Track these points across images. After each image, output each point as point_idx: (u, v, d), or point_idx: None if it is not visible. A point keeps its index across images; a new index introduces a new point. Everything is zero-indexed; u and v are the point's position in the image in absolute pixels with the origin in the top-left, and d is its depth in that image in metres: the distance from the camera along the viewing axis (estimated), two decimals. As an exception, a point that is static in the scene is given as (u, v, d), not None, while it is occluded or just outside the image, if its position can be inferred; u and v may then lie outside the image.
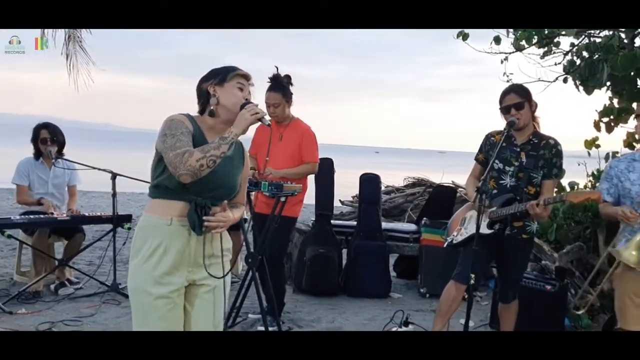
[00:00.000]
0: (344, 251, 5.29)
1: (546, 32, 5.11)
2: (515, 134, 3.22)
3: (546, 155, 3.16)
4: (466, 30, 5.30)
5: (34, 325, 3.84)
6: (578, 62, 4.99)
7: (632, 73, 4.40)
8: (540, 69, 5.29)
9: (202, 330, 2.21)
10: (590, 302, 3.50)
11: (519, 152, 3.20)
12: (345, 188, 9.08)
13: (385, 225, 5.58)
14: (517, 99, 3.16)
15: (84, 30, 5.86)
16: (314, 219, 5.25)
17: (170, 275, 2.11)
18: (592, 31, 4.97)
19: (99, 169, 4.76)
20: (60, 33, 5.83)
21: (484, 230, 3.10)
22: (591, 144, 5.04)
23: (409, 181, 9.75)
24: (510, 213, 3.07)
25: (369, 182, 5.48)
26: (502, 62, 5.44)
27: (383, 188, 8.24)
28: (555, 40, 5.25)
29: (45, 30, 5.64)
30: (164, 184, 2.10)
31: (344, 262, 5.23)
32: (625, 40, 4.70)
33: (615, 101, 4.82)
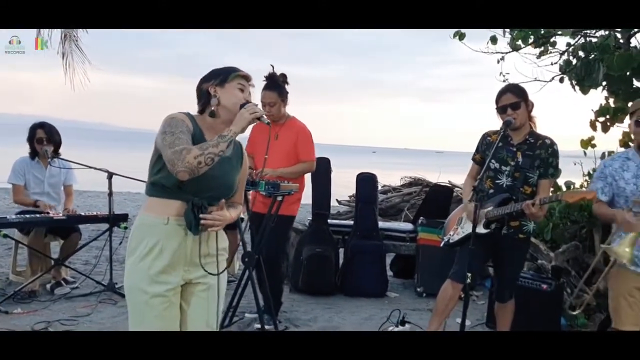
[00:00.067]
0: (341, 250, 5.29)
1: (542, 32, 5.11)
2: (512, 134, 3.23)
3: (542, 155, 3.17)
4: (462, 30, 5.31)
5: (29, 324, 3.83)
6: (574, 62, 5.00)
7: (627, 73, 4.41)
8: (537, 68, 5.30)
9: (199, 330, 2.22)
10: (587, 301, 3.51)
11: (515, 152, 3.21)
12: (342, 187, 9.09)
13: (382, 224, 5.59)
14: (514, 99, 3.16)
15: (80, 29, 5.85)
16: (310, 218, 5.25)
17: (166, 274, 2.11)
18: (588, 31, 4.98)
19: (95, 169, 4.75)
20: (57, 32, 5.83)
21: (481, 229, 3.11)
22: (587, 143, 5.05)
23: (405, 181, 9.77)
24: (506, 213, 3.07)
25: (366, 181, 5.48)
26: (498, 62, 5.45)
27: (380, 187, 8.26)
28: (552, 40, 5.26)
29: (41, 29, 5.63)
30: (161, 182, 2.10)
31: (341, 261, 5.23)
32: (621, 40, 4.71)
33: (611, 101, 4.83)
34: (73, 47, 5.96)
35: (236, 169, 2.26)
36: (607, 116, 4.80)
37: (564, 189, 4.85)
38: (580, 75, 4.78)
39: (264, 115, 2.17)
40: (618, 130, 4.78)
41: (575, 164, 5.23)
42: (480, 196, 3.18)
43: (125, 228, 4.64)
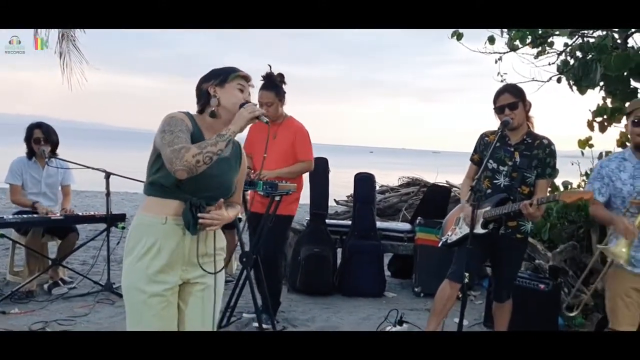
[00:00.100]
0: (339, 250, 5.29)
1: (540, 32, 5.12)
2: (509, 134, 3.23)
3: (540, 155, 3.18)
4: (460, 30, 5.31)
5: (27, 325, 3.82)
6: (572, 62, 5.01)
7: (625, 73, 4.42)
8: (534, 68, 5.32)
9: (197, 330, 2.22)
10: (584, 302, 3.51)
11: (512, 152, 3.21)
12: (340, 187, 9.09)
13: (379, 224, 5.59)
14: (511, 99, 3.17)
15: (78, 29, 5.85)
16: (308, 218, 5.25)
17: (164, 273, 2.11)
18: (586, 31, 4.99)
19: (93, 168, 4.75)
20: (54, 32, 5.82)
21: (478, 229, 3.11)
22: (584, 143, 5.06)
23: (403, 181, 9.78)
24: (504, 213, 3.08)
25: (364, 181, 5.49)
26: (496, 62, 5.46)
27: (378, 188, 8.26)
28: (549, 40, 5.27)
29: (38, 29, 5.63)
30: (160, 181, 2.10)
31: (339, 261, 5.24)
32: (619, 41, 4.72)
33: (608, 101, 4.84)
34: (70, 47, 5.96)
35: (235, 169, 2.26)
36: (605, 116, 4.80)
37: (562, 189, 4.85)
38: (578, 75, 4.79)
39: (263, 115, 2.17)
40: (615, 130, 4.79)
41: (572, 164, 5.24)
42: (478, 196, 3.18)
43: (123, 228, 4.63)
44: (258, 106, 2.19)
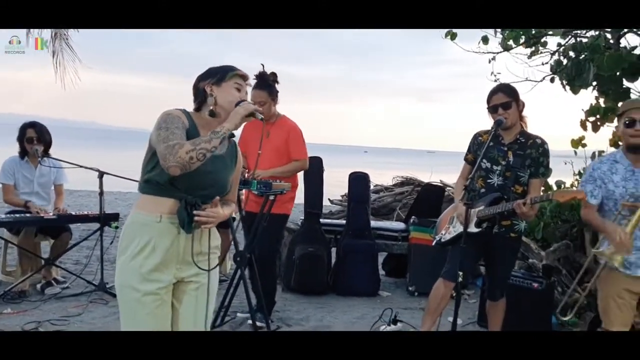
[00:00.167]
0: (333, 250, 5.29)
1: (533, 32, 5.14)
2: (503, 133, 3.24)
3: (533, 155, 3.19)
4: (454, 30, 5.32)
5: (19, 325, 3.80)
6: (565, 62, 5.03)
7: (617, 73, 4.44)
8: (528, 68, 5.33)
9: (190, 329, 2.21)
10: (579, 303, 3.52)
11: (506, 152, 3.22)
12: (335, 187, 9.09)
13: (374, 223, 5.59)
14: (505, 99, 3.18)
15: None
16: (303, 217, 5.25)
17: (158, 272, 2.10)
18: (579, 31, 5.02)
19: (86, 168, 4.73)
20: (47, 30, 5.80)
21: (472, 228, 3.12)
22: (577, 143, 5.08)
23: (397, 180, 9.80)
24: (497, 212, 3.09)
25: (358, 181, 5.49)
26: (489, 61, 5.48)
27: (372, 187, 8.28)
28: (542, 40, 5.29)
29: (32, 29, 5.60)
30: (155, 179, 2.09)
31: (333, 260, 5.24)
32: (611, 41, 4.75)
33: (601, 101, 4.86)
34: (63, 46, 5.93)
35: (230, 167, 2.26)
36: (598, 116, 4.83)
37: (555, 188, 4.88)
38: (571, 75, 4.81)
39: (257, 111, 2.18)
40: (608, 129, 4.81)
41: (565, 164, 5.26)
42: (471, 195, 3.19)
43: (117, 227, 4.61)
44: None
